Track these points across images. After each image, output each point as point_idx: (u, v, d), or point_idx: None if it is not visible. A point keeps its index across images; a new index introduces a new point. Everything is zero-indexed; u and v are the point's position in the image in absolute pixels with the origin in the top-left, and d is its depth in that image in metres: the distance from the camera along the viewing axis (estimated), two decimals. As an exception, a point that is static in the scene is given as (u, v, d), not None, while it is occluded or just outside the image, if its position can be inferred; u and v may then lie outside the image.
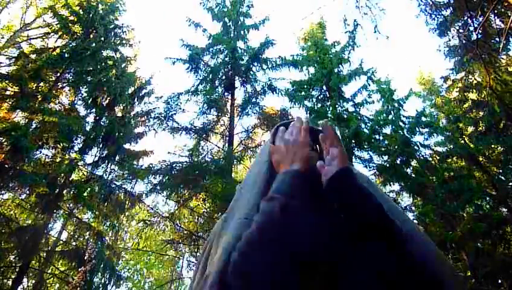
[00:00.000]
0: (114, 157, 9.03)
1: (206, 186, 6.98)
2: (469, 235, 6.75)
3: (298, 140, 0.72)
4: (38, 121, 7.90)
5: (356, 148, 8.65)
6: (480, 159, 9.55)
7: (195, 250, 7.92)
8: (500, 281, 7.35)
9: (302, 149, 0.70)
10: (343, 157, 0.70)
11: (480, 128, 9.89)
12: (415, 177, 8.57)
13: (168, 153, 8.64)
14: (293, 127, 0.78)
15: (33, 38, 11.36)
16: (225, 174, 6.72)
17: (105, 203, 8.38)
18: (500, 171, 9.54)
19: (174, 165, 7.53)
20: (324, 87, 9.77)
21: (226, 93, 9.09)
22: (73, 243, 8.30)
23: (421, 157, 9.18)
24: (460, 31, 8.41)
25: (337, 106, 9.14)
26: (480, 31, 6.27)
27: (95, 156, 8.93)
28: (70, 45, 9.37)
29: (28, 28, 12.18)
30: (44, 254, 7.70)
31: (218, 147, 8.80)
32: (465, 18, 7.75)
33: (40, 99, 8.20)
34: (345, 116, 8.93)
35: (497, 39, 7.01)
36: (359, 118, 9.07)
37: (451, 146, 9.91)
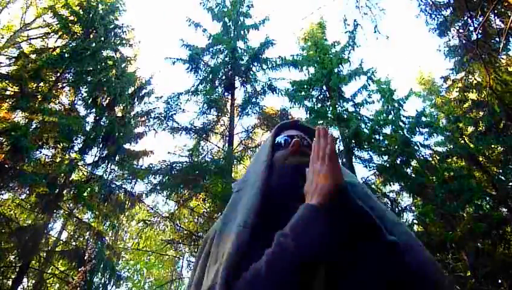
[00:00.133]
0: (114, 157, 9.03)
1: (206, 186, 6.98)
2: (469, 235, 6.75)
3: (323, 169, 0.65)
4: (38, 121, 7.90)
5: (356, 148, 8.65)
6: (480, 159, 9.55)
7: (195, 250, 7.92)
8: (500, 281, 7.34)
9: (325, 181, 0.64)
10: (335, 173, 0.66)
11: (480, 128, 9.89)
12: (415, 177, 8.57)
13: (168, 153, 8.65)
14: (321, 146, 0.71)
15: (33, 38, 11.37)
16: (225, 174, 6.72)
17: (105, 203, 8.38)
18: (500, 171, 9.54)
19: (174, 165, 7.53)
20: (324, 87, 9.77)
21: (226, 93, 9.09)
22: (73, 243, 8.30)
23: (421, 157, 9.19)
24: (460, 31, 8.41)
25: (337, 106, 9.15)
26: (480, 31, 6.28)
27: (95, 156, 8.94)
28: (70, 45, 9.37)
29: (28, 28, 12.18)
30: (44, 254, 7.70)
31: (218, 147, 8.80)
32: (465, 18, 7.75)
33: (40, 99, 8.20)
34: (345, 116, 8.93)
35: (497, 39, 7.01)
36: (359, 118, 9.07)
37: (451, 146, 9.92)
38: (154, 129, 8.65)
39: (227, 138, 8.42)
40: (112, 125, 9.03)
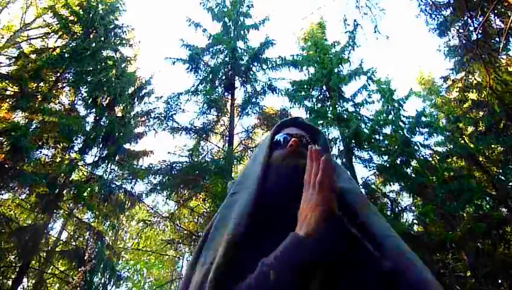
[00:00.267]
0: (114, 157, 9.03)
1: (206, 186, 6.98)
2: (469, 235, 6.74)
3: (313, 198, 0.62)
4: (38, 121, 7.90)
5: (356, 148, 8.66)
6: (480, 159, 9.55)
7: (195, 250, 7.91)
8: (500, 281, 7.34)
9: (314, 210, 0.60)
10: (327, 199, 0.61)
11: (480, 128, 9.89)
12: (415, 177, 8.57)
13: (168, 153, 8.67)
14: (312, 171, 0.66)
15: (33, 38, 11.38)
16: (225, 174, 6.72)
17: (105, 203, 8.38)
18: (500, 171, 9.54)
19: (174, 165, 7.53)
20: (324, 87, 9.78)
21: (226, 93, 9.10)
22: (73, 243, 8.30)
23: (421, 157, 9.18)
24: (460, 31, 8.42)
25: (337, 106, 9.15)
26: (480, 31, 6.28)
27: (95, 156, 8.93)
28: (70, 45, 9.37)
29: (28, 28, 12.19)
30: (44, 254, 7.69)
31: (218, 147, 8.80)
32: (465, 18, 7.75)
33: (40, 99, 8.20)
34: (345, 116, 8.93)
35: (497, 39, 7.01)
36: (359, 118, 9.07)
37: (451, 146, 9.91)
38: (154, 129, 8.67)
39: (227, 138, 8.42)
40: (112, 125, 9.03)
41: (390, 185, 9.02)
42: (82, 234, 8.29)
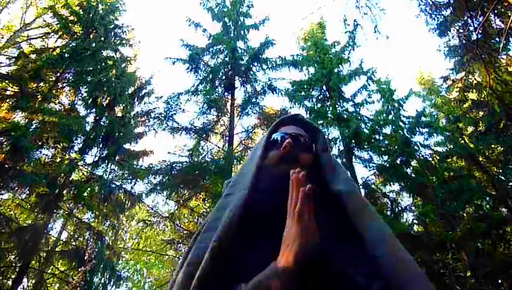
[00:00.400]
0: (114, 157, 9.03)
1: (206, 186, 6.99)
2: (469, 235, 6.74)
3: (292, 230, 0.58)
4: (38, 121, 7.90)
5: (356, 148, 8.66)
6: (480, 159, 9.55)
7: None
8: (500, 281, 7.34)
9: (293, 243, 0.57)
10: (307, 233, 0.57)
11: (480, 128, 9.89)
12: (415, 177, 8.57)
13: (168, 153, 8.66)
14: (292, 200, 0.62)
15: (33, 38, 11.38)
16: (225, 174, 6.72)
17: (105, 203, 8.38)
18: (500, 171, 9.53)
19: (174, 165, 7.53)
20: (324, 87, 9.78)
21: (226, 93, 9.10)
22: (73, 243, 8.29)
23: (421, 157, 9.18)
24: (460, 31, 8.42)
25: (337, 106, 9.15)
26: (480, 31, 6.28)
27: (95, 156, 8.93)
28: (70, 45, 9.37)
29: (28, 28, 12.19)
30: (44, 254, 7.69)
31: (218, 147, 8.80)
32: (465, 18, 7.75)
33: (40, 99, 8.20)
34: (345, 116, 8.93)
35: (497, 39, 7.01)
36: (359, 118, 9.07)
37: (451, 146, 9.91)
38: (154, 129, 8.66)
39: (227, 138, 8.42)
40: (112, 125, 9.03)
41: (390, 185, 9.02)
42: (82, 234, 8.29)
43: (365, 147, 8.58)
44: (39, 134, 7.77)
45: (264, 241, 0.64)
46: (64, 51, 9.05)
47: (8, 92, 8.03)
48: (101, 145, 9.00)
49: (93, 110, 9.33)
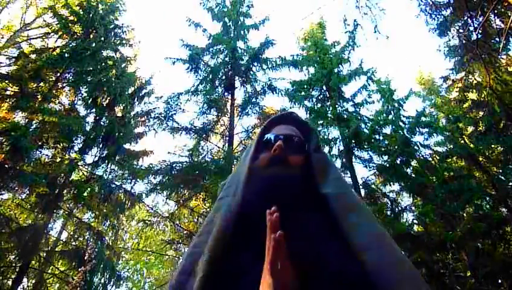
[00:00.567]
0: (114, 157, 9.03)
1: (206, 186, 6.99)
2: (469, 235, 6.74)
3: (266, 277, 0.54)
4: (38, 121, 7.90)
5: (356, 148, 8.65)
6: (480, 159, 9.54)
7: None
8: (500, 281, 7.34)
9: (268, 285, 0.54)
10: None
11: (480, 128, 9.89)
12: (415, 177, 8.56)
13: (168, 153, 8.66)
14: (266, 247, 0.57)
15: (33, 38, 11.38)
16: (225, 174, 6.69)
17: (105, 203, 8.38)
18: (500, 171, 9.53)
19: (174, 165, 7.53)
20: (324, 87, 9.77)
21: (226, 93, 9.09)
22: (73, 243, 8.29)
23: (421, 157, 9.18)
24: (460, 31, 8.42)
25: (337, 106, 9.15)
26: (480, 31, 6.28)
27: (95, 156, 8.93)
28: (70, 45, 9.37)
29: (28, 28, 12.19)
30: (44, 254, 7.70)
31: (218, 147, 8.80)
32: (465, 18, 7.75)
33: (40, 99, 8.20)
34: (345, 116, 8.93)
35: (497, 39, 7.01)
36: (359, 118, 9.07)
37: (451, 146, 9.90)
38: (154, 129, 8.66)
39: (227, 138, 8.42)
40: (112, 125, 9.03)
41: (390, 185, 9.02)
42: (82, 234, 8.29)
43: (365, 147, 8.58)
44: (39, 134, 7.78)
45: (253, 245, 0.63)
46: (64, 51, 9.05)
47: (8, 92, 8.03)
48: (101, 145, 9.00)
49: (93, 110, 9.33)
